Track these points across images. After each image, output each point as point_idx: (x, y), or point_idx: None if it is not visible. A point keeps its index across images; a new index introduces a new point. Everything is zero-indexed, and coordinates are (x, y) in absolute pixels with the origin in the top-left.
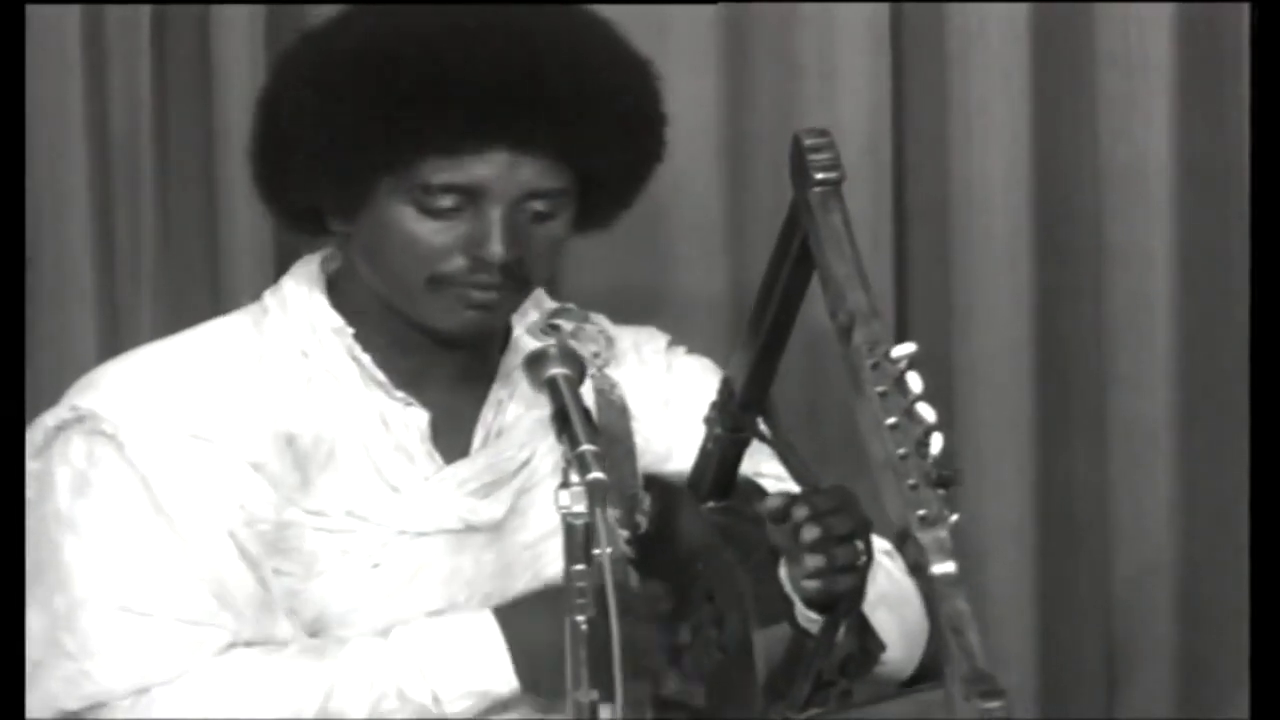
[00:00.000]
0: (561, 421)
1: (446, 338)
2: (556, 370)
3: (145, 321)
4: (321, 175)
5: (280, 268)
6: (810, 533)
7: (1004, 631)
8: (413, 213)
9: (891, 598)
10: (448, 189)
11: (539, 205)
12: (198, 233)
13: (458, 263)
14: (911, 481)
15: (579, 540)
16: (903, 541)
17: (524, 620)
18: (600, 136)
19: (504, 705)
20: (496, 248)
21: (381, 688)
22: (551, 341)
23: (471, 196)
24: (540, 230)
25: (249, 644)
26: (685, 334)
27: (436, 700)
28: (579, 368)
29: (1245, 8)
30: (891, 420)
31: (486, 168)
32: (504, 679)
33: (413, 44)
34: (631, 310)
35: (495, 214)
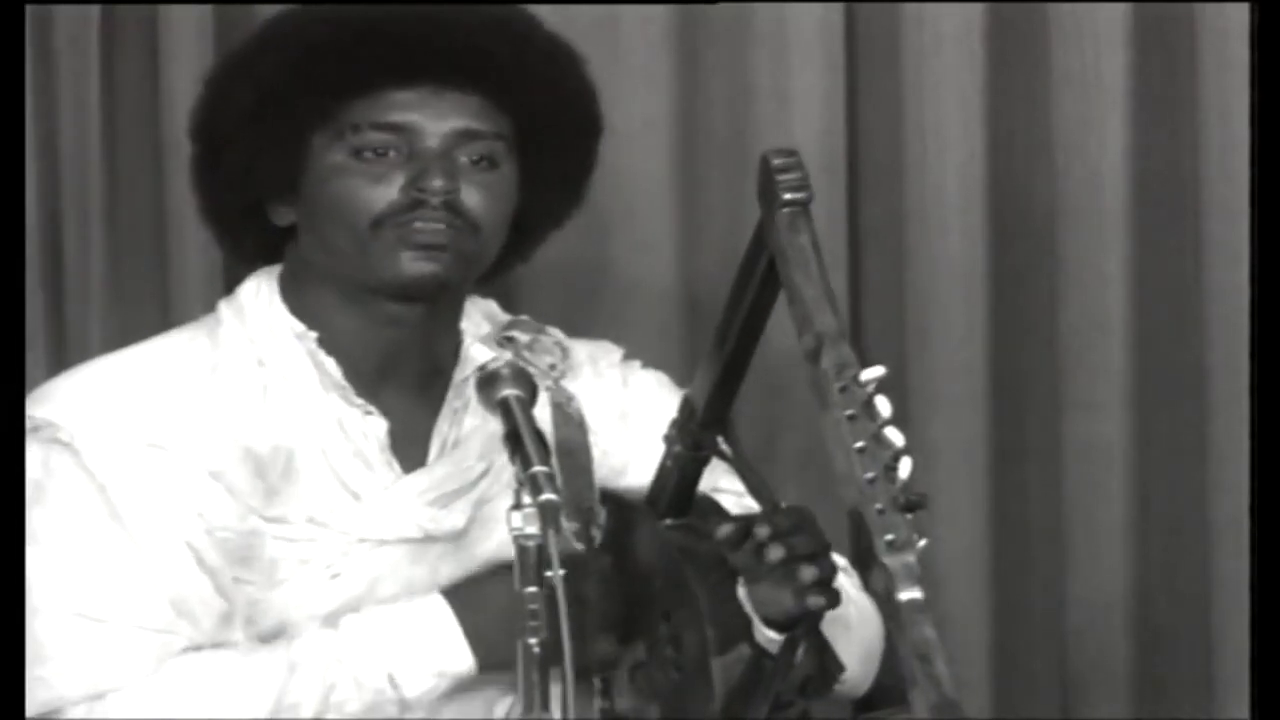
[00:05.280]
0: (514, 442)
1: (399, 289)
2: (509, 391)
3: (94, 338)
4: (256, 146)
5: (230, 284)
6: (774, 553)
7: (958, 656)
8: (349, 161)
9: (850, 616)
10: (377, 127)
11: (476, 149)
12: (147, 249)
13: (399, 202)
14: (879, 506)
15: (531, 562)
16: (866, 562)
17: (473, 598)
18: (523, 70)
19: (464, 685)
20: (434, 181)
21: (334, 676)
22: (504, 358)
23: (405, 138)
24: (480, 176)
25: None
26: (639, 355)
27: (394, 683)
28: (531, 387)
29: (1201, 28)
30: (859, 444)
31: (412, 102)
32: (461, 658)
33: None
34: (582, 329)
35: (430, 152)
